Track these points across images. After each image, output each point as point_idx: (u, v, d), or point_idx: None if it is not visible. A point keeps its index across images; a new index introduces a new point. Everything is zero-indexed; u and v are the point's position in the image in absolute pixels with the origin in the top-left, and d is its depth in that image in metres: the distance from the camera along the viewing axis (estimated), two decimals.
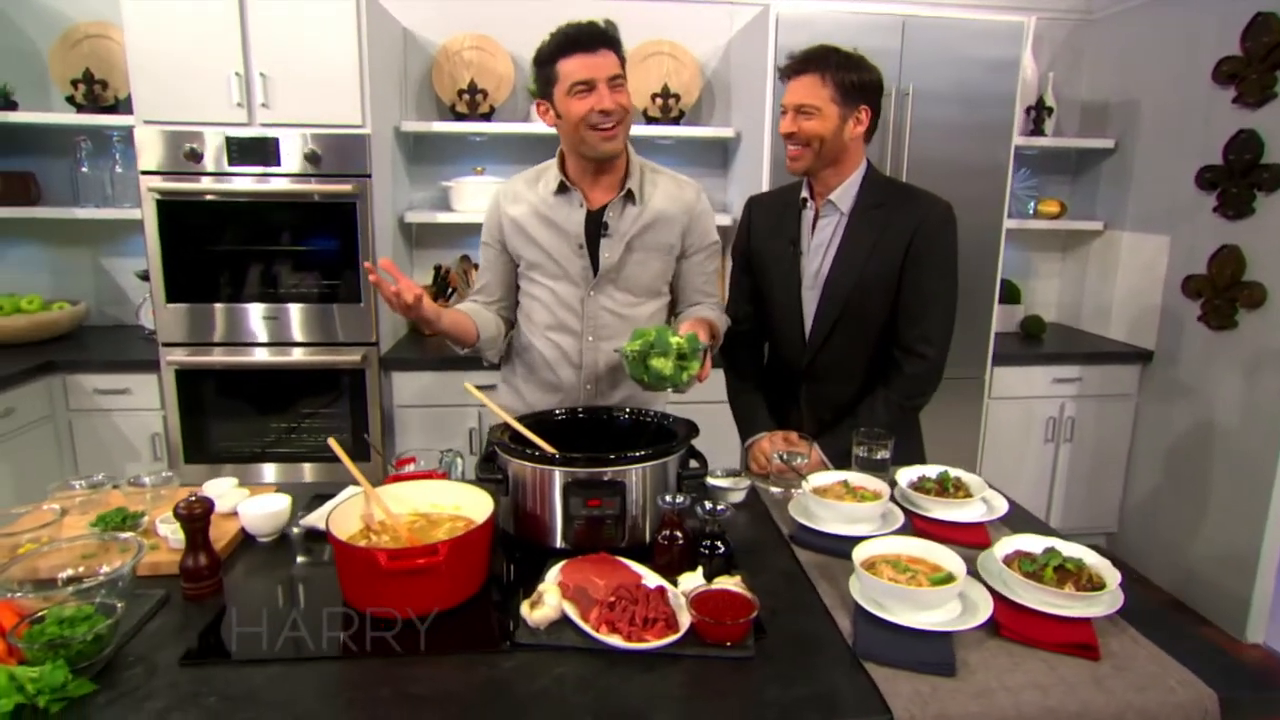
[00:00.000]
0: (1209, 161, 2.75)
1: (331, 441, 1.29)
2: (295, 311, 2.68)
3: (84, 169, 2.98)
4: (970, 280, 2.83)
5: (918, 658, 1.00)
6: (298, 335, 2.70)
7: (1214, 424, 2.77)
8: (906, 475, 1.51)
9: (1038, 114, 3.19)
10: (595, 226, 1.64)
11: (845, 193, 1.66)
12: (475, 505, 1.24)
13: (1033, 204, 3.36)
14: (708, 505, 1.19)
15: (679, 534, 1.20)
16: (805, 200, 1.71)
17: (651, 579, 1.15)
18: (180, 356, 2.65)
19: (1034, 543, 1.23)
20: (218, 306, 2.65)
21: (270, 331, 2.69)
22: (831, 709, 0.92)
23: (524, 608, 1.06)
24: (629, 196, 1.64)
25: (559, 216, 1.64)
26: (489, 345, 1.70)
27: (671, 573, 1.16)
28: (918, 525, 1.39)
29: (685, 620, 1.04)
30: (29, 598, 1.03)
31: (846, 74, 1.54)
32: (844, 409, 1.74)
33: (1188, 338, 2.88)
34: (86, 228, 3.12)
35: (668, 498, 1.20)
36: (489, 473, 1.31)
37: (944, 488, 1.46)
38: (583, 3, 3.11)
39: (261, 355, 2.70)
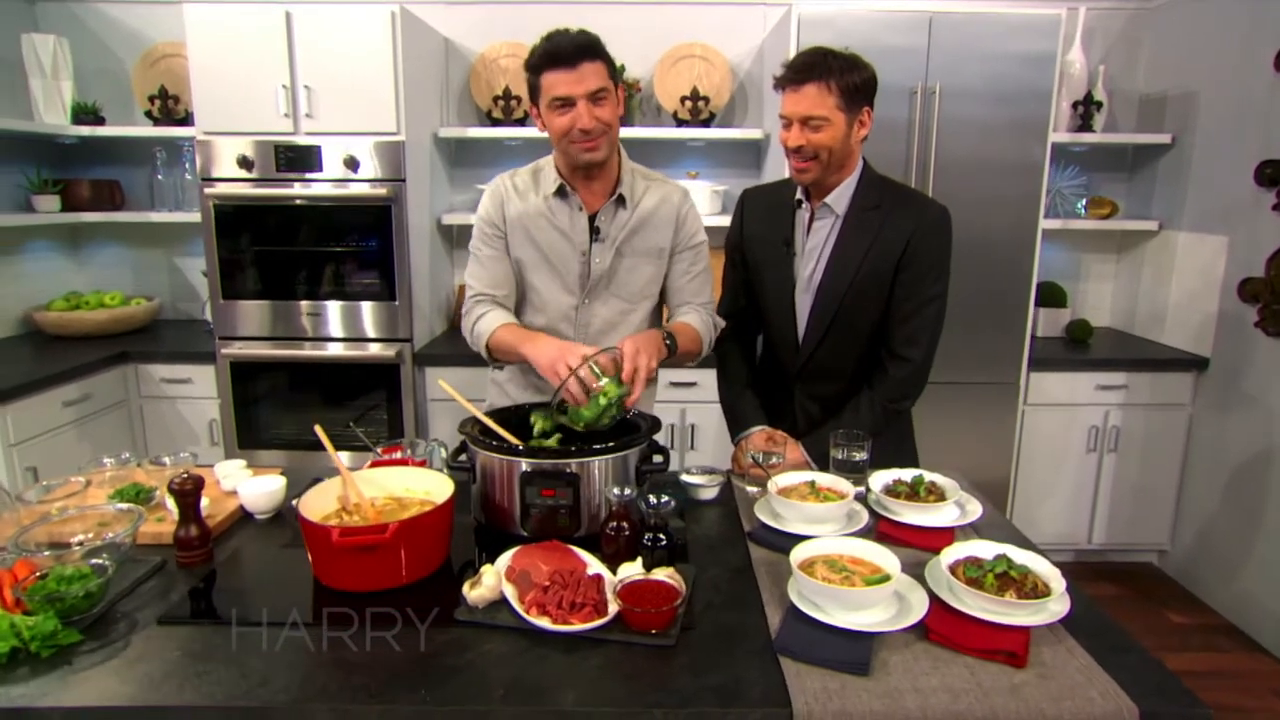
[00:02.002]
0: (1270, 156, 2.57)
1: (317, 428, 1.40)
2: (336, 308, 2.86)
3: (159, 176, 3.26)
4: (1003, 282, 2.78)
5: (834, 655, 1.01)
6: (338, 331, 2.88)
7: (1274, 437, 2.59)
8: (881, 479, 1.50)
9: (1086, 109, 3.04)
10: (588, 231, 1.67)
11: (841, 195, 1.64)
12: (444, 492, 1.32)
13: (1082, 203, 3.21)
14: (651, 499, 1.23)
15: (625, 525, 1.24)
16: (800, 202, 1.70)
17: (596, 568, 1.20)
18: (234, 349, 2.87)
19: (988, 549, 1.21)
20: (267, 303, 2.86)
21: (313, 327, 2.87)
22: (732, 698, 0.95)
23: (465, 587, 1.13)
24: (620, 201, 1.66)
25: (561, 220, 1.66)
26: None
27: (617, 562, 1.21)
28: (881, 528, 1.39)
29: (615, 608, 1.09)
30: (41, 556, 1.17)
31: (849, 77, 1.50)
32: (835, 406, 1.74)
33: (1245, 344, 2.70)
34: (162, 230, 3.41)
35: (615, 490, 1.25)
36: (460, 463, 1.40)
37: (915, 491, 1.45)
38: (617, 10, 3.21)
39: (305, 349, 2.89)
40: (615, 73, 1.58)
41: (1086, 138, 3.07)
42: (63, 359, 2.76)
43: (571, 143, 1.56)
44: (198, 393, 2.95)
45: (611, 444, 1.34)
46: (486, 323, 1.66)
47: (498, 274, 1.72)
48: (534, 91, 1.57)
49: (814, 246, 1.69)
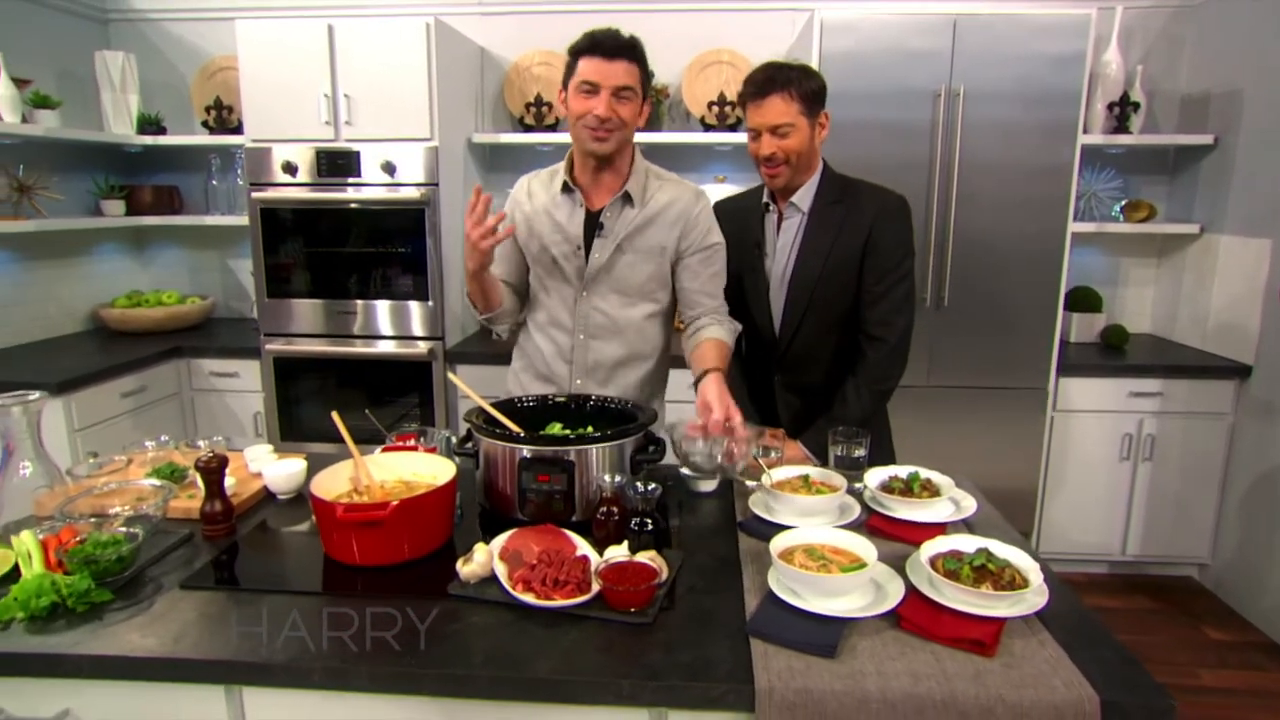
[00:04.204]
0: None
1: (334, 415, 1.49)
2: (372, 307, 2.99)
3: (214, 182, 3.46)
4: (1030, 286, 2.74)
5: (803, 638, 1.05)
6: (374, 329, 3.01)
7: None
8: (877, 475, 1.52)
9: (1122, 110, 2.98)
10: (590, 227, 1.73)
11: (806, 193, 1.73)
12: (449, 476, 1.39)
13: (1118, 206, 3.14)
14: (639, 486, 1.28)
15: (615, 510, 1.29)
16: (768, 205, 1.78)
17: (585, 550, 1.25)
18: (277, 346, 3.02)
19: (972, 543, 1.22)
20: (308, 302, 3.00)
21: (350, 325, 3.01)
22: (699, 674, 0.99)
23: (459, 563, 1.20)
24: (626, 199, 1.71)
25: (561, 215, 1.73)
26: (502, 317, 1.80)
27: (606, 545, 1.26)
28: (872, 522, 1.41)
29: (597, 586, 1.14)
30: (82, 524, 1.28)
31: (806, 84, 1.61)
32: (814, 395, 1.80)
33: None
34: (216, 233, 3.61)
35: (606, 477, 1.30)
36: (465, 450, 1.47)
37: (909, 488, 1.46)
38: (646, 17, 3.28)
39: (342, 346, 3.02)
40: (647, 81, 1.65)
41: (1122, 139, 3.00)
42: (123, 353, 2.95)
43: (585, 127, 1.62)
44: (244, 386, 3.12)
45: (608, 433, 1.40)
46: None
47: (500, 267, 1.81)
48: (568, 73, 1.64)
49: (784, 244, 1.77)
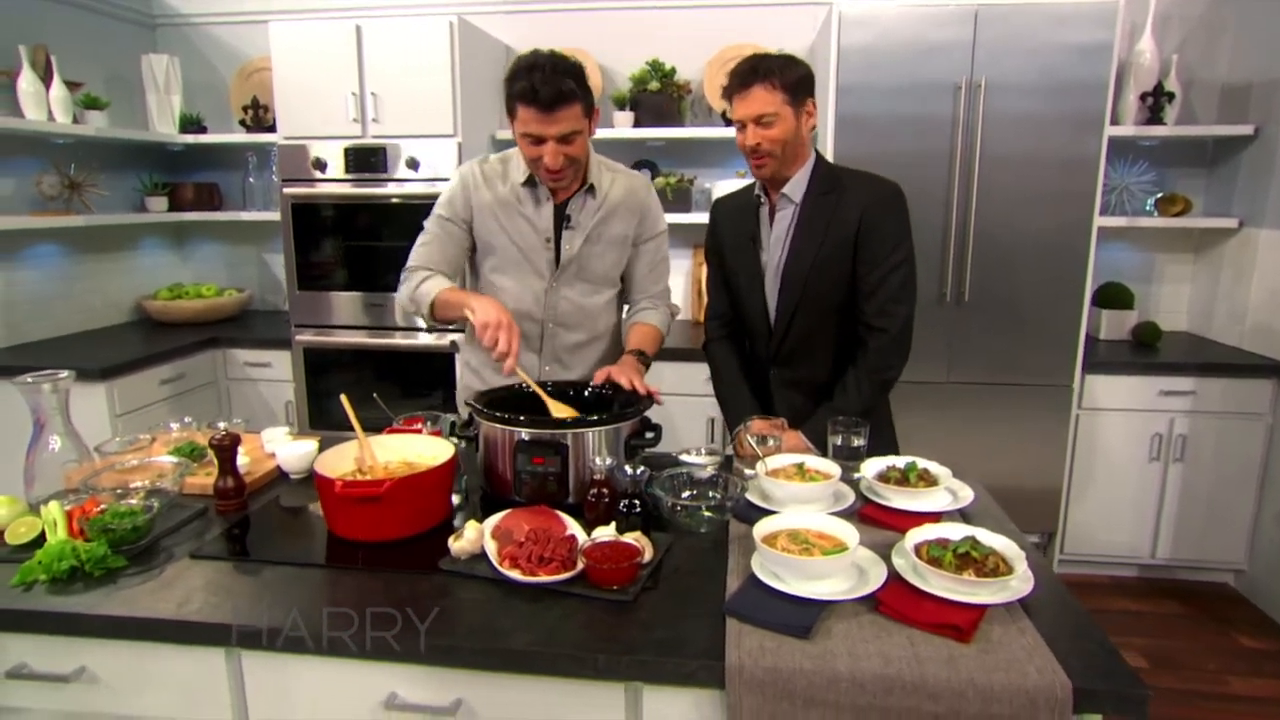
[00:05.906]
0: None
1: (343, 398, 1.55)
2: (396, 300, 3.05)
3: (250, 179, 3.58)
4: (1055, 282, 2.68)
5: (778, 619, 1.06)
6: (398, 320, 3.06)
7: None
8: (875, 465, 1.52)
9: (1155, 101, 2.89)
10: (558, 220, 1.74)
11: (797, 184, 1.72)
12: (448, 457, 1.44)
13: (1151, 200, 3.05)
14: (628, 469, 1.30)
15: (606, 492, 1.32)
16: (759, 198, 1.78)
17: (575, 530, 1.28)
18: (307, 337, 3.12)
19: (959, 530, 1.22)
20: (337, 294, 3.10)
21: (377, 317, 3.09)
22: (671, 649, 1.01)
23: (450, 540, 1.24)
24: (590, 190, 1.74)
25: (528, 210, 1.73)
26: None
27: (596, 526, 1.29)
28: (865, 511, 1.41)
29: (581, 564, 1.17)
30: (103, 495, 1.36)
31: (789, 73, 1.60)
32: (811, 389, 1.80)
33: None
34: (252, 228, 3.74)
35: (597, 460, 1.33)
36: (466, 433, 1.52)
37: (905, 477, 1.46)
38: (668, 13, 3.30)
39: (369, 337, 3.11)
40: (591, 104, 1.60)
41: (1155, 131, 2.91)
42: (163, 342, 3.08)
43: (538, 170, 1.64)
44: (276, 376, 3.23)
45: (602, 417, 1.43)
46: (431, 284, 1.69)
47: (435, 254, 1.76)
48: (509, 108, 1.59)
49: (777, 236, 1.77)
